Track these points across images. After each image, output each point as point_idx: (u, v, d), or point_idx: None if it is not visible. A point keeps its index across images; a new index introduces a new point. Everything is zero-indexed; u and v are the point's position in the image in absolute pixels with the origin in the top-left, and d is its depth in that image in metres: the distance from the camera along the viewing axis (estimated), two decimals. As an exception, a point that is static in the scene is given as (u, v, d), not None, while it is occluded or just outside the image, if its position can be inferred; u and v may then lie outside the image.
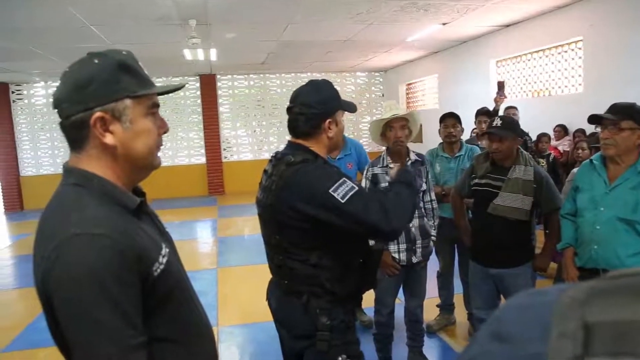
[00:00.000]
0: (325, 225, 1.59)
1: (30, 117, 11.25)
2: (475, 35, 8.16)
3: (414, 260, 2.86)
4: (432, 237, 2.97)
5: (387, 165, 2.86)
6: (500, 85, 4.71)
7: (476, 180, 2.83)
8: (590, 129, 5.52)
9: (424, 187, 2.94)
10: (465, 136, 4.22)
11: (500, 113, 4.47)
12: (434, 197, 3.02)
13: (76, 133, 1.02)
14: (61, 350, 1.03)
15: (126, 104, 1.02)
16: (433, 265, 3.23)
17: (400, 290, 3.07)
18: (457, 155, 3.59)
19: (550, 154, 5.06)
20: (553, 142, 5.90)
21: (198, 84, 11.75)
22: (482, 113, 4.41)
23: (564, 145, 6.04)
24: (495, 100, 4.67)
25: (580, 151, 4.20)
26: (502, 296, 2.89)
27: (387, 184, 2.82)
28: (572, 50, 6.56)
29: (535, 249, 2.83)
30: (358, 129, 12.80)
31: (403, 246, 2.83)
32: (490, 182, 2.75)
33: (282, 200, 1.65)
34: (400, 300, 3.15)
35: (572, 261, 2.45)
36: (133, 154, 1.05)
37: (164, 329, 1.04)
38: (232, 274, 5.58)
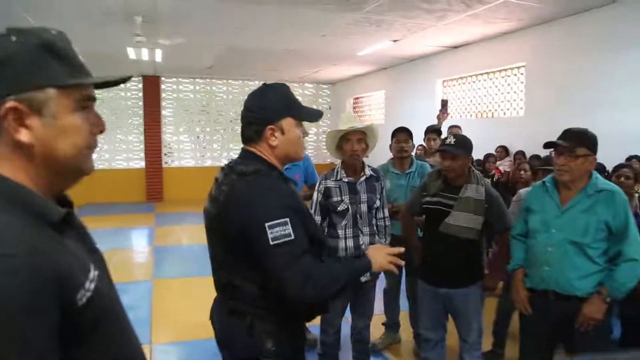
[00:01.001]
0: None
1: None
2: (423, 54, 8.36)
3: (363, 279, 2.76)
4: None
5: (340, 179, 2.76)
6: (444, 103, 4.98)
7: (428, 199, 2.79)
8: (529, 151, 5.74)
9: (378, 203, 2.86)
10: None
11: (443, 130, 4.57)
12: (387, 214, 2.95)
13: None
14: None
15: (49, 95, 0.83)
16: (379, 283, 3.18)
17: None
18: (407, 171, 3.53)
19: (494, 174, 5.20)
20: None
21: (141, 85, 11.30)
22: (431, 130, 4.44)
23: (504, 165, 6.26)
24: (438, 118, 4.83)
25: (522, 172, 4.32)
26: (449, 316, 2.86)
27: (339, 197, 2.72)
28: (515, 75, 6.85)
29: (484, 269, 2.82)
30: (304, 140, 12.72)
31: None
32: (442, 201, 2.72)
33: (229, 213, 1.51)
34: (346, 319, 3.05)
35: (521, 282, 2.45)
36: (55, 156, 0.86)
37: None
38: (168, 287, 5.26)
